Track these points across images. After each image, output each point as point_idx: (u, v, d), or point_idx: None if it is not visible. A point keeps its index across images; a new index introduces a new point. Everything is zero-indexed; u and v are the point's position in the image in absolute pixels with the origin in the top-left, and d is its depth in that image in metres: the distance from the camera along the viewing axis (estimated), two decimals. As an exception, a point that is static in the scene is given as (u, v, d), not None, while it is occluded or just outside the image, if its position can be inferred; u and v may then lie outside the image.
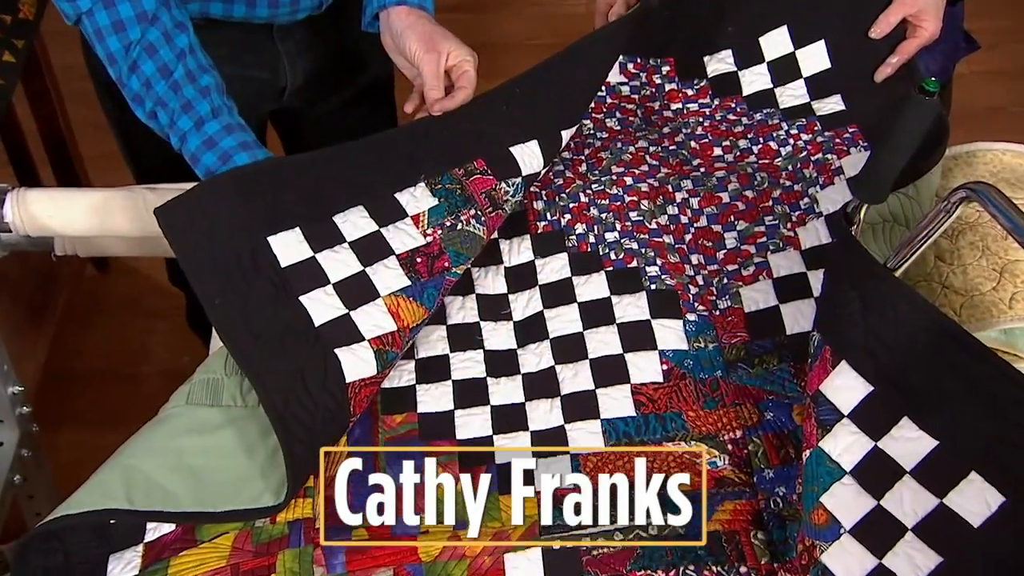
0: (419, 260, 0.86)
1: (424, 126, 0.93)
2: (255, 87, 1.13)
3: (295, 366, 0.79)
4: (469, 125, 0.93)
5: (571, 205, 1.00)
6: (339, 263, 0.85)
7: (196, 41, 0.93)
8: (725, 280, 0.94)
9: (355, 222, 0.87)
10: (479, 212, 0.90)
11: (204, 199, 0.84)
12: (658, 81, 1.12)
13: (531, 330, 0.92)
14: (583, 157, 1.06)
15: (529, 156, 0.94)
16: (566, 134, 0.97)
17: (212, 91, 0.93)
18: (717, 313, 0.92)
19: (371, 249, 0.86)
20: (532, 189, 1.01)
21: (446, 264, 0.87)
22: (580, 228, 0.98)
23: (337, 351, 0.80)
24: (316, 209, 0.87)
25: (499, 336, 0.91)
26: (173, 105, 0.90)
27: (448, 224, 0.88)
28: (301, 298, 0.82)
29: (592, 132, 1.09)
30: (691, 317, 0.91)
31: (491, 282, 0.95)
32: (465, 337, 0.91)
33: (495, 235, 0.98)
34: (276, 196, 0.86)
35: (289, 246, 0.84)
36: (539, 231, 0.98)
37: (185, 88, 0.91)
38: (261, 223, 0.84)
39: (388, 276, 0.85)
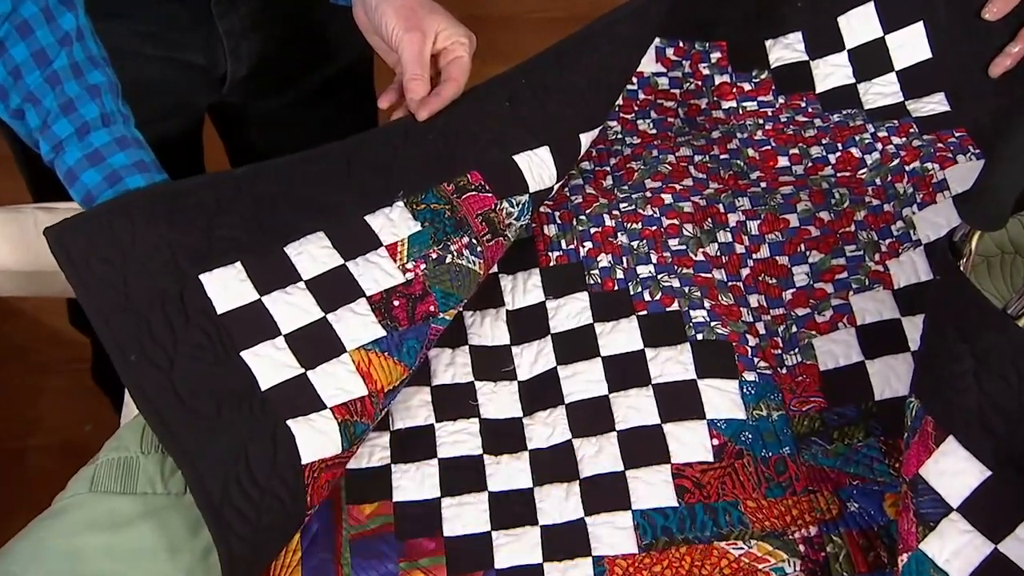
0: (397, 303, 0.86)
1: (403, 128, 0.93)
2: (185, 75, 1.14)
3: (235, 443, 0.79)
4: (461, 126, 0.94)
5: (593, 230, 1.00)
6: (293, 308, 0.85)
7: (88, 25, 0.92)
8: (794, 328, 0.94)
9: (313, 254, 0.87)
10: (474, 240, 0.90)
11: (114, 221, 0.84)
12: (706, 72, 1.12)
13: (541, 393, 0.92)
14: (608, 168, 1.06)
15: (538, 167, 0.94)
16: (586, 138, 0.98)
17: (104, 91, 0.92)
18: (784, 371, 0.92)
19: (334, 290, 0.86)
20: (542, 210, 1.02)
21: (431, 308, 0.87)
22: (604, 260, 0.98)
23: (290, 423, 0.80)
24: (262, 237, 0.87)
25: (499, 400, 0.91)
26: (49, 104, 0.89)
27: (434, 256, 0.89)
28: (243, 353, 0.82)
29: (620, 136, 1.09)
30: (749, 376, 0.91)
31: (489, 330, 0.95)
32: (455, 402, 0.91)
33: (494, 269, 0.98)
34: (210, 221, 0.86)
35: (227, 286, 0.84)
36: (551, 264, 0.98)
37: (67, 83, 0.90)
38: (191, 256, 0.84)
39: (356, 325, 0.85)
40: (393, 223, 0.90)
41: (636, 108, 1.12)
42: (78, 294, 0.82)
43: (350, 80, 1.28)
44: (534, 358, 0.94)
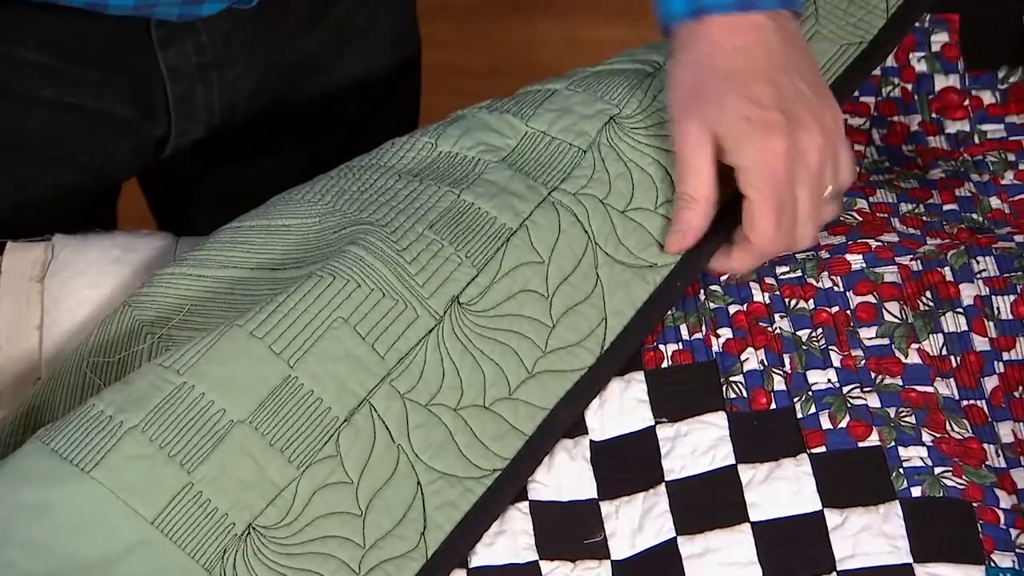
0: None
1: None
2: (100, 132, 1.09)
3: None
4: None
5: (733, 309, 0.97)
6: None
7: None
8: (1074, 482, 0.89)
9: None
10: None
11: None
12: (921, 68, 1.12)
13: (651, 580, 0.87)
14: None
15: None
16: None
17: None
18: (1061, 552, 0.86)
19: None
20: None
21: None
22: (752, 359, 0.94)
23: None
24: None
25: (584, 592, 0.88)
26: None
27: None
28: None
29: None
30: (1003, 560, 0.85)
31: (562, 474, 0.91)
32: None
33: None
34: None
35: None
36: (664, 364, 0.94)
37: None
38: None
39: None
40: None
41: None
42: None
43: (383, 115, 1.24)
44: (638, 522, 0.89)
